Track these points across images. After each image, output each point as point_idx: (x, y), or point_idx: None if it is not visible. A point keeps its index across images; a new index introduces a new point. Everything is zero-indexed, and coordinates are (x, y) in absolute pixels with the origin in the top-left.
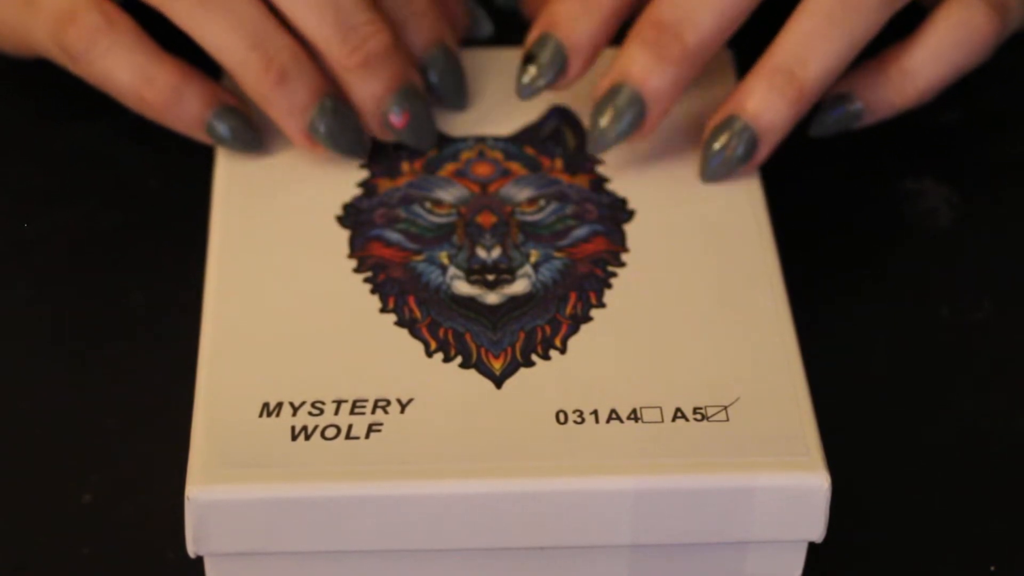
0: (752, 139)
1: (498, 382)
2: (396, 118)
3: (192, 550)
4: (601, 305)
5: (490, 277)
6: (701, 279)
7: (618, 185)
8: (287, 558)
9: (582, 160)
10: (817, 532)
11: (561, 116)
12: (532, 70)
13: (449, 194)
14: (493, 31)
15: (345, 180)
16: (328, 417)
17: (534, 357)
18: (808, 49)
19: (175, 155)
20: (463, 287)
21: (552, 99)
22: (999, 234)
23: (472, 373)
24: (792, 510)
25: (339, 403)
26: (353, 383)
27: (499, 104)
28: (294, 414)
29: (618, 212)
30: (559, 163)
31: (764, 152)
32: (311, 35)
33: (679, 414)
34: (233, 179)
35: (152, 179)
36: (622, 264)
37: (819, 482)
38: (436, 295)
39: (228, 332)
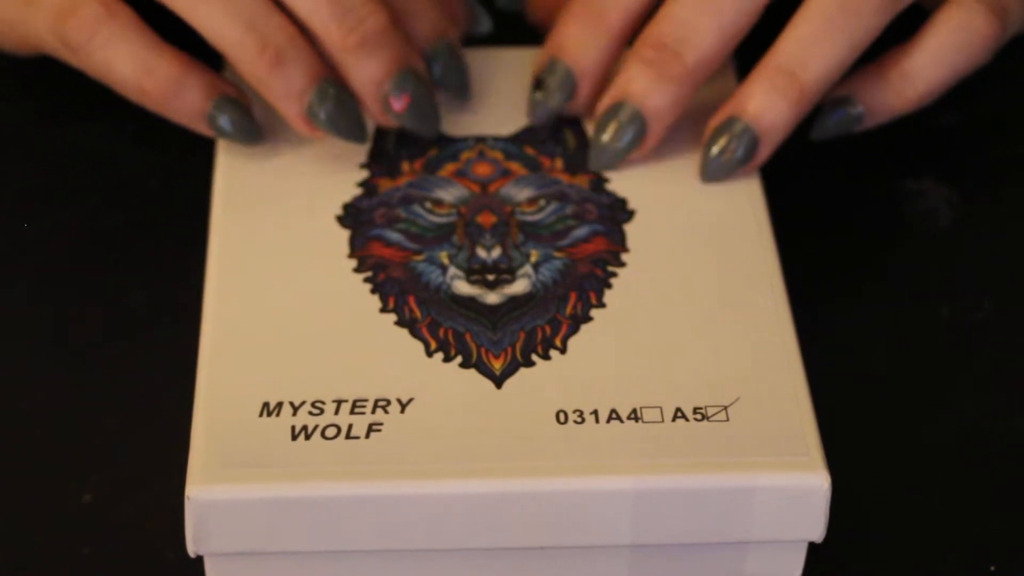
0: (753, 140)
1: (498, 382)
2: (397, 102)
3: (192, 550)
4: (601, 305)
5: (490, 277)
6: (701, 279)
7: (618, 185)
8: (287, 558)
9: (582, 160)
10: (817, 532)
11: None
12: (542, 96)
13: (449, 194)
14: (492, 27)
15: (345, 180)
16: (328, 417)
17: (534, 357)
18: (809, 51)
19: (176, 155)
20: (463, 287)
21: None
22: (999, 234)
23: (472, 373)
24: (792, 510)
25: (339, 403)
26: (353, 383)
27: (499, 104)
28: (294, 414)
29: (618, 212)
30: (559, 163)
31: (764, 153)
32: (307, 17)
33: (679, 414)
34: (233, 179)
35: (153, 179)
36: (622, 264)
37: (819, 482)
38: (436, 295)
39: (228, 332)
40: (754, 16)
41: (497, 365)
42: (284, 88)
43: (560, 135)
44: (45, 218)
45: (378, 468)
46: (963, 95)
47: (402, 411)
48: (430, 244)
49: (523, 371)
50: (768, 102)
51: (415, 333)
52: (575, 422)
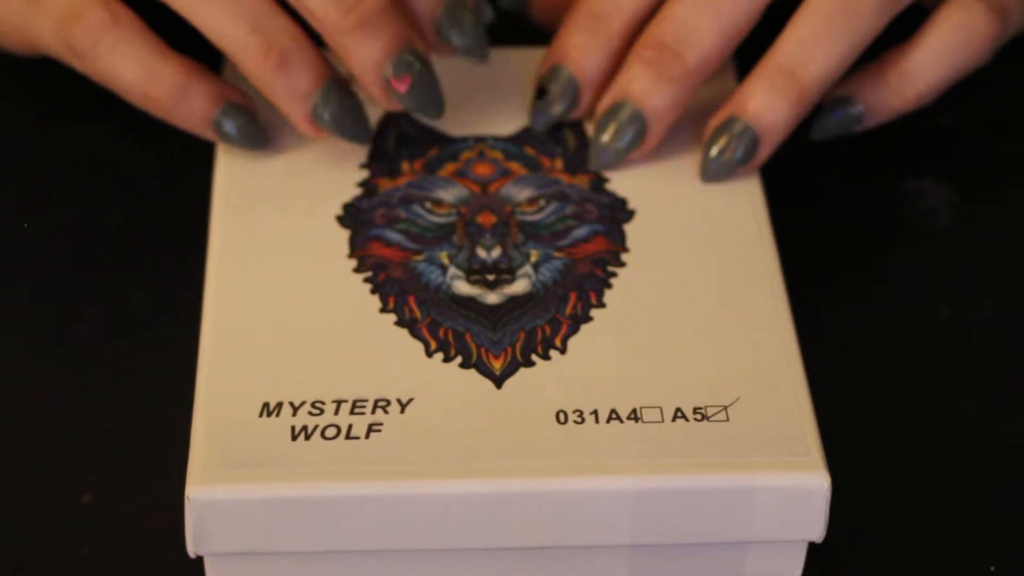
0: (753, 140)
1: (498, 382)
2: (399, 83)
3: (192, 550)
4: (601, 305)
5: (490, 277)
6: (701, 279)
7: (618, 185)
8: (287, 558)
9: (582, 160)
10: (817, 532)
11: None
12: (545, 103)
13: (449, 194)
14: (495, 17)
15: (345, 180)
16: (328, 417)
17: (534, 357)
18: (809, 51)
19: (176, 155)
20: (463, 287)
21: None
22: (999, 234)
23: (472, 373)
24: (792, 510)
25: (339, 403)
26: (353, 383)
27: (499, 104)
28: (294, 414)
29: (618, 212)
30: (559, 163)
31: (764, 153)
32: (306, 5)
33: (679, 414)
34: (233, 179)
35: (153, 179)
36: (622, 264)
37: (819, 482)
38: (436, 295)
39: (228, 332)
40: (754, 16)
41: (497, 365)
42: (289, 89)
43: (560, 135)
44: (45, 218)
45: (378, 468)
46: (963, 95)
47: (402, 411)
48: (430, 244)
49: (523, 371)
50: (768, 102)
51: (415, 333)
52: (575, 422)
